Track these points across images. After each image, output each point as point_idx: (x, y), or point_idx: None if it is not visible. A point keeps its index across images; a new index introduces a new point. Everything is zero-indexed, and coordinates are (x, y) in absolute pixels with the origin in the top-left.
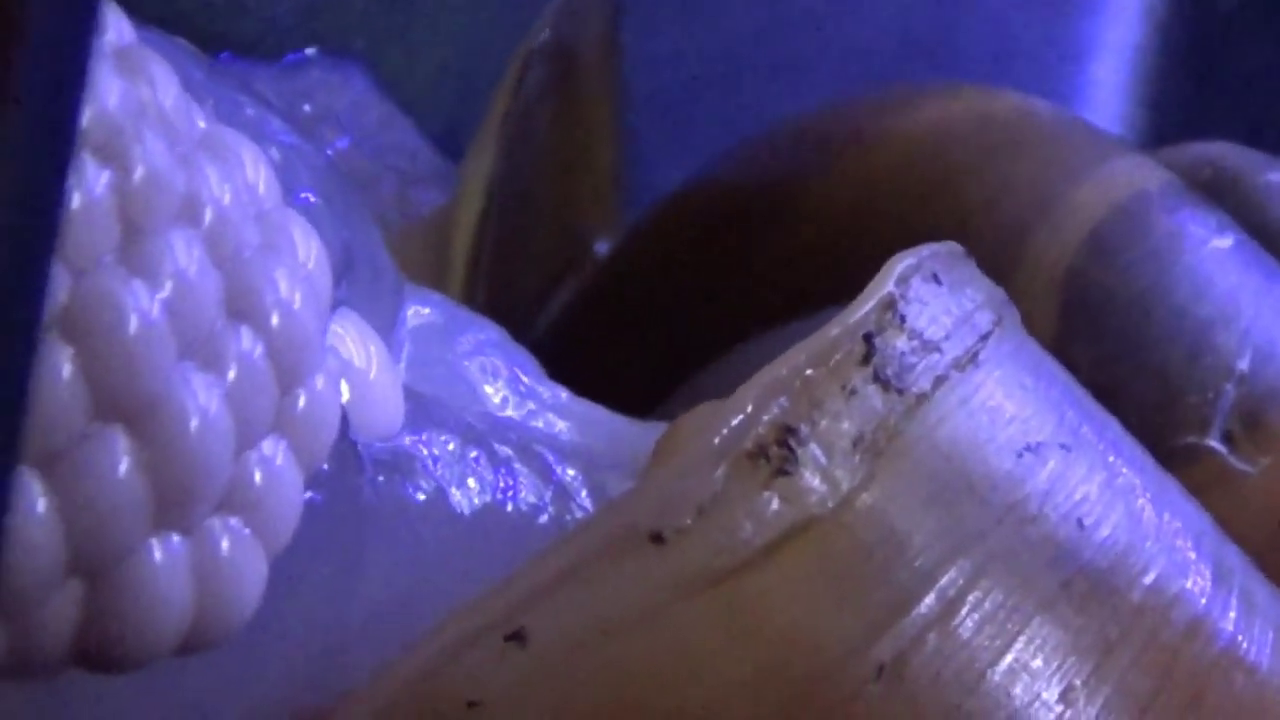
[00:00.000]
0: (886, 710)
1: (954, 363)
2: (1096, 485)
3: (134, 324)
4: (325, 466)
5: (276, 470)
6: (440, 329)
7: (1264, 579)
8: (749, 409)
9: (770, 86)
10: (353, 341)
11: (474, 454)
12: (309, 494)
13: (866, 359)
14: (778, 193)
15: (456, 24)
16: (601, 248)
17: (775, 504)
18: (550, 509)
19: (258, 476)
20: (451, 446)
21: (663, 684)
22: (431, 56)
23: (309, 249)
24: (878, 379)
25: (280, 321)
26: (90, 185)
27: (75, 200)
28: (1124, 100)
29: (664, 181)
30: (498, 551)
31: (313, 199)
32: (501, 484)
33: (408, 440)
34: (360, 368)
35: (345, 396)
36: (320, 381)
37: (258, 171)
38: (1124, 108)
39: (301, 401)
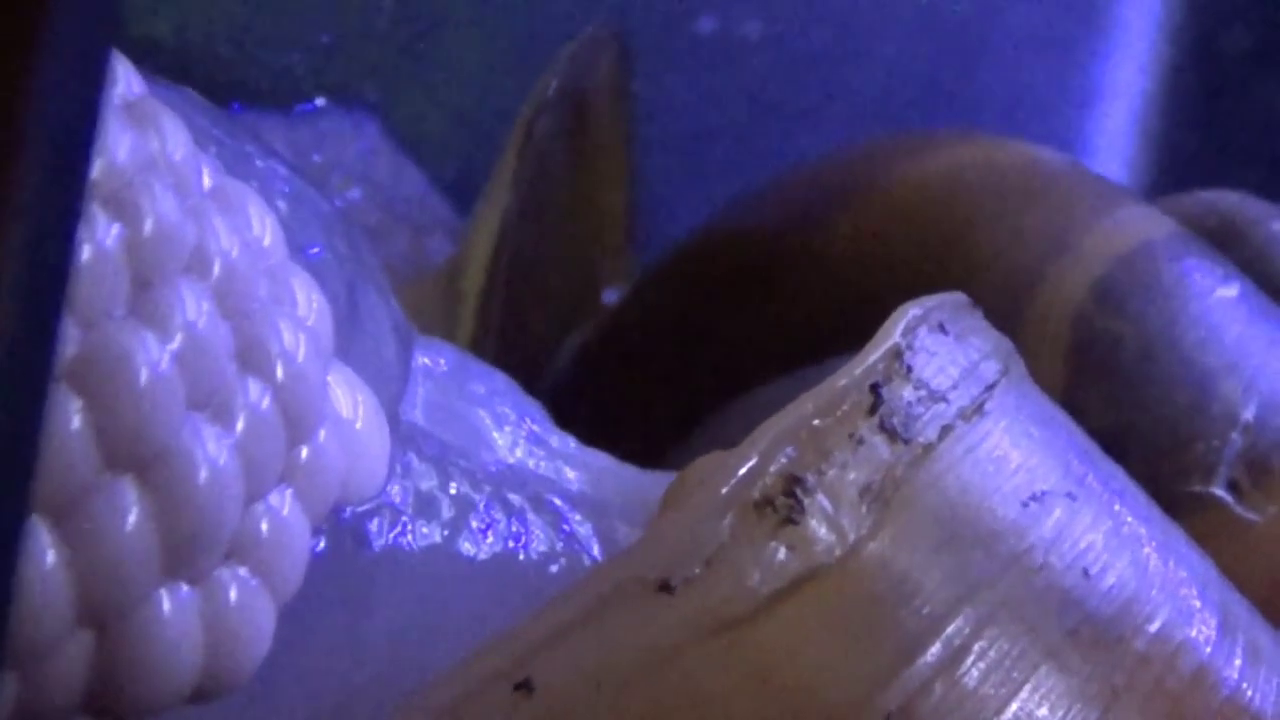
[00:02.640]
0: None
1: (960, 413)
2: (1102, 534)
3: (144, 376)
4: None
5: (284, 520)
6: (451, 378)
7: (1269, 627)
8: (756, 459)
9: (782, 132)
10: (341, 392)
11: (487, 503)
12: (315, 543)
13: (873, 409)
14: (787, 240)
15: (468, 73)
16: (611, 295)
17: (782, 553)
18: (562, 559)
19: (265, 526)
20: (465, 495)
21: None
22: (443, 106)
23: (310, 302)
24: (884, 429)
25: (285, 373)
26: (100, 238)
27: (85, 252)
28: (1133, 145)
29: (675, 228)
30: (509, 601)
31: (320, 251)
32: (513, 532)
33: (424, 486)
34: (347, 418)
35: None
36: (325, 432)
37: (264, 225)
38: (1133, 152)
39: (308, 451)
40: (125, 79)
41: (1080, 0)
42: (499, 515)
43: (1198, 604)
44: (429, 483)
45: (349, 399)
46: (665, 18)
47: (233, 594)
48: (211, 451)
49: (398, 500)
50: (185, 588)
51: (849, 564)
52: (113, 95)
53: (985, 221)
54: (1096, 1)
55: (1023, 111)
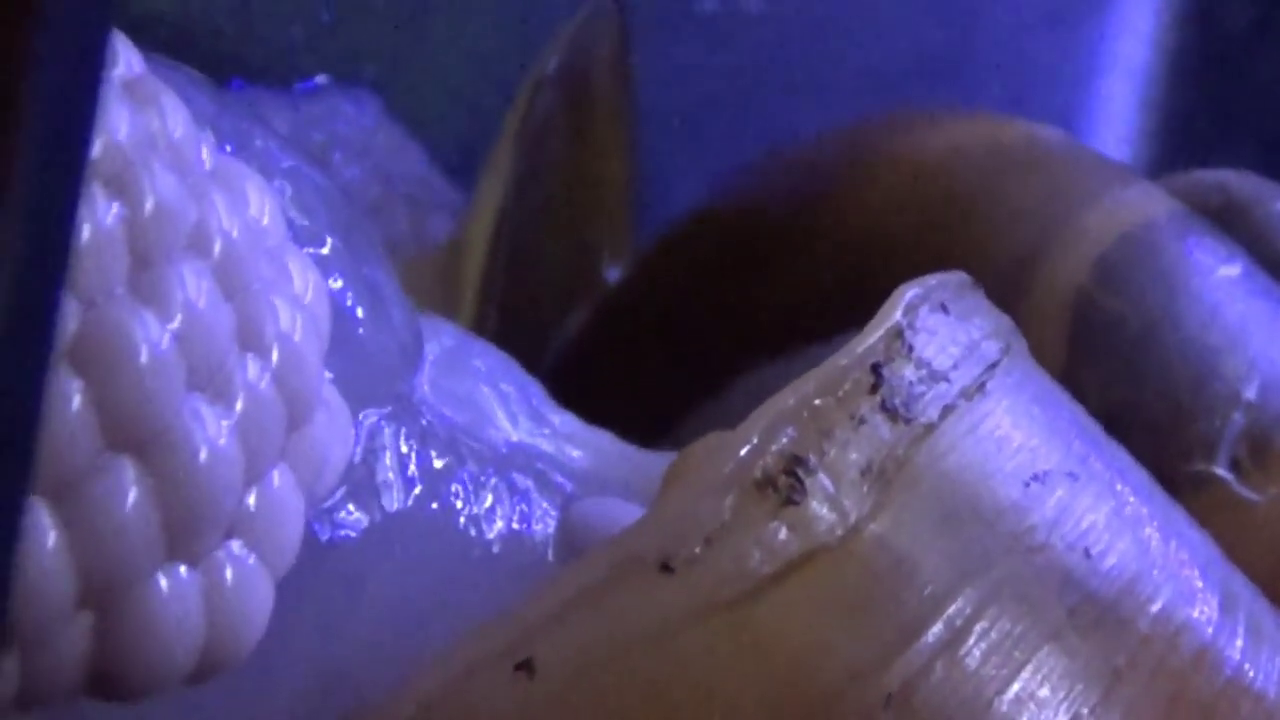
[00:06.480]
0: None
1: (962, 392)
2: (1104, 514)
3: (144, 355)
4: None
5: (280, 497)
6: (453, 357)
7: (1271, 607)
8: (757, 439)
9: (782, 106)
10: None
11: (493, 481)
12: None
13: (874, 389)
14: (788, 217)
15: (467, 50)
16: (613, 272)
17: (783, 533)
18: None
19: (263, 505)
20: (473, 473)
21: (669, 710)
22: (443, 83)
23: (306, 282)
24: (885, 409)
25: (282, 353)
26: (100, 217)
27: (85, 232)
28: (1134, 119)
29: (676, 204)
30: (513, 580)
31: (327, 242)
32: (520, 512)
33: (439, 464)
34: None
35: None
36: (322, 412)
37: (263, 204)
38: (1134, 126)
39: (305, 430)
40: (125, 58)
41: None
42: (505, 495)
43: (1199, 584)
44: (439, 461)
45: None
46: None
47: (230, 573)
48: (211, 432)
49: (405, 475)
50: (184, 568)
51: (850, 544)
52: (112, 74)
53: (986, 200)
54: None
55: (1024, 85)
